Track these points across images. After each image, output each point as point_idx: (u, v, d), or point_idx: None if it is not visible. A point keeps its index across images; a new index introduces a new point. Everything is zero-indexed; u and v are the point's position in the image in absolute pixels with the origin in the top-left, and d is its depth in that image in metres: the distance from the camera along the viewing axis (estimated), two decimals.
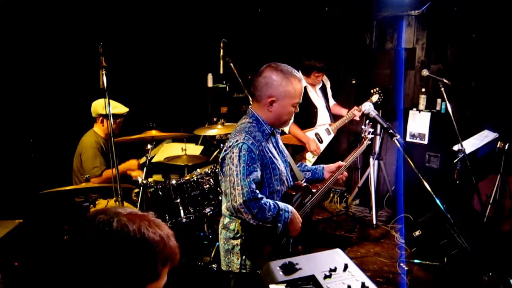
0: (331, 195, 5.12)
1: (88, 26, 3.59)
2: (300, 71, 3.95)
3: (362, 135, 2.41)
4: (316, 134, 3.99)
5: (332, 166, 2.30)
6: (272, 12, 5.01)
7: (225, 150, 1.93)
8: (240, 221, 1.96)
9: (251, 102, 2.14)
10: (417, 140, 4.53)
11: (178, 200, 3.14)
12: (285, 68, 1.95)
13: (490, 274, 2.82)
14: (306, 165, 2.39)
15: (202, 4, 4.62)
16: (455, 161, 3.68)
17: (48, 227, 3.21)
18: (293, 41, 4.90)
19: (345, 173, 2.29)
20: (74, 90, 3.57)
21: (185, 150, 3.54)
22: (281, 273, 1.36)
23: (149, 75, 4.33)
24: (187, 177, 3.22)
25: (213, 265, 3.09)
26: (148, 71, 4.32)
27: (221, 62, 3.53)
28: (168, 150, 3.92)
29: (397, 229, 4.26)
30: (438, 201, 2.20)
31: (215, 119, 3.99)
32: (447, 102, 3.59)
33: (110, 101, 2.52)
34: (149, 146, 3.07)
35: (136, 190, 3.21)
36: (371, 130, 2.42)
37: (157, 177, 3.86)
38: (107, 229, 0.88)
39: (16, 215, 2.65)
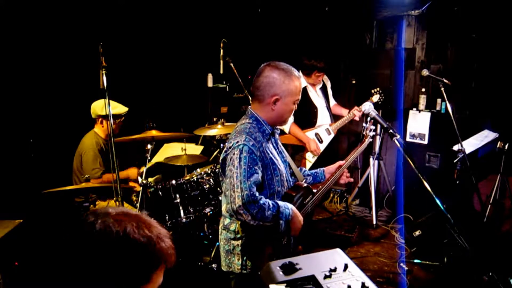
0: (331, 195, 5.13)
1: (88, 26, 3.59)
2: (300, 71, 3.96)
3: (363, 133, 2.41)
4: (316, 134, 3.99)
5: (332, 167, 2.30)
6: (272, 12, 5.01)
7: (226, 151, 1.92)
8: (240, 222, 1.96)
9: (251, 102, 2.14)
10: (417, 140, 4.53)
11: (178, 200, 3.14)
12: (284, 67, 1.95)
13: (490, 274, 2.82)
14: (305, 170, 2.39)
15: (202, 4, 4.61)
16: (455, 161, 3.68)
17: (48, 227, 3.21)
18: (293, 41, 4.90)
19: (348, 175, 2.30)
20: (74, 90, 3.56)
21: (185, 150, 3.54)
22: (281, 273, 1.36)
23: (149, 75, 4.33)
24: (187, 177, 3.22)
25: (213, 265, 3.09)
26: (148, 71, 4.31)
27: (221, 62, 3.53)
28: (168, 150, 3.92)
29: (397, 229, 4.26)
30: (438, 201, 2.19)
31: (215, 119, 3.99)
32: (447, 102, 3.59)
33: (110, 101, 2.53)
34: (149, 146, 3.07)
35: (138, 189, 3.21)
36: (373, 128, 2.42)
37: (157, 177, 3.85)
38: (89, 231, 0.85)
39: (16, 215, 2.64)
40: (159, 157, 3.81)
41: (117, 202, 2.51)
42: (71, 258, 0.84)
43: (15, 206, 2.94)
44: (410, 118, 4.56)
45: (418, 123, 4.51)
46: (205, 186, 3.22)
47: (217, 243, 2.98)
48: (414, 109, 4.55)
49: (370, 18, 4.84)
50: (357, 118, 3.99)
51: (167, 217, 3.12)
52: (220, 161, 2.00)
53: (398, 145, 2.23)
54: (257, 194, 1.83)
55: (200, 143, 4.36)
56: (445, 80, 3.59)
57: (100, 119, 3.30)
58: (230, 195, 1.84)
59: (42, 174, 3.27)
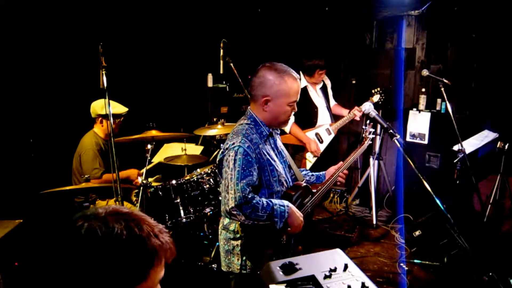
0: (331, 195, 5.12)
1: (88, 26, 3.59)
2: (301, 72, 3.96)
3: (363, 135, 2.41)
4: (317, 134, 3.99)
5: (332, 169, 2.30)
6: (272, 12, 5.01)
7: (223, 152, 1.93)
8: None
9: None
10: (417, 140, 4.53)
11: (178, 200, 3.14)
12: (280, 67, 1.93)
13: (490, 274, 2.82)
14: (309, 171, 2.39)
15: (202, 4, 4.61)
16: (455, 161, 3.68)
17: (48, 227, 3.20)
18: (293, 41, 4.90)
19: (345, 171, 2.29)
20: (74, 90, 3.56)
21: (185, 150, 3.54)
22: (281, 273, 1.36)
23: (149, 75, 4.33)
24: (187, 177, 3.22)
25: (213, 265, 3.09)
26: (148, 71, 4.31)
27: (221, 62, 3.53)
28: (168, 150, 3.92)
29: (397, 229, 4.26)
30: (438, 201, 2.19)
31: (215, 119, 3.99)
32: (447, 102, 3.59)
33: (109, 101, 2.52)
34: (149, 146, 3.07)
35: (136, 191, 3.21)
36: (372, 130, 2.42)
37: (157, 177, 3.85)
38: (76, 233, 0.85)
39: (16, 215, 2.64)
40: (159, 157, 3.81)
41: (117, 202, 2.51)
42: (61, 261, 0.84)
43: (15, 206, 2.94)
44: (410, 118, 4.56)
45: (418, 123, 4.51)
46: (205, 186, 3.22)
47: (217, 243, 2.98)
48: (414, 109, 4.55)
49: (370, 18, 4.84)
50: (357, 118, 3.99)
51: (167, 217, 3.12)
52: (217, 162, 2.00)
53: (398, 145, 2.22)
54: (250, 195, 1.83)
55: (200, 143, 4.36)
56: (445, 80, 3.59)
57: (100, 119, 3.30)
58: (224, 196, 1.85)
59: (42, 174, 3.27)
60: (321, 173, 2.35)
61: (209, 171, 3.30)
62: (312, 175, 2.34)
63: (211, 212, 3.18)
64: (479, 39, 4.27)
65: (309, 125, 3.99)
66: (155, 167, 3.67)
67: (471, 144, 3.79)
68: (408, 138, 4.57)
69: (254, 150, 1.88)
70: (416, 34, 4.71)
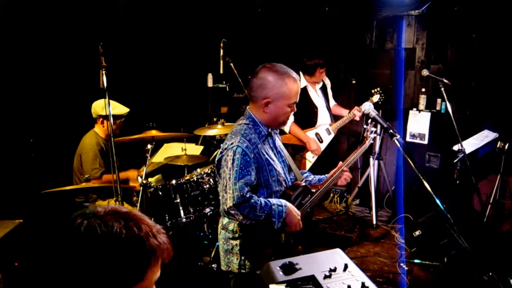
0: (331, 195, 5.12)
1: (88, 26, 3.59)
2: (301, 72, 3.97)
3: (364, 134, 2.40)
4: (317, 134, 3.99)
5: (333, 171, 2.29)
6: (272, 12, 5.01)
7: (221, 152, 1.93)
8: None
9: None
10: (417, 140, 4.53)
11: (178, 200, 3.14)
12: (280, 69, 1.92)
13: (490, 274, 2.82)
14: (310, 173, 2.38)
15: (202, 4, 4.61)
16: (455, 161, 3.68)
17: (48, 227, 3.21)
18: (293, 41, 4.90)
19: (350, 175, 2.28)
20: (74, 90, 3.56)
21: (185, 150, 3.54)
22: (281, 273, 1.36)
23: (149, 75, 4.33)
24: (187, 177, 3.22)
25: (213, 265, 3.09)
26: (148, 71, 4.31)
27: (221, 62, 3.53)
28: (168, 150, 3.92)
29: (397, 229, 4.26)
30: (438, 201, 2.19)
31: (215, 119, 3.99)
32: (447, 102, 3.59)
33: (110, 101, 2.52)
34: (149, 146, 3.07)
35: (138, 189, 3.21)
36: (373, 129, 2.41)
37: (157, 177, 3.85)
38: (75, 232, 0.85)
39: (16, 215, 2.64)
40: (159, 157, 3.81)
41: (117, 202, 2.51)
42: (60, 258, 0.84)
43: (15, 206, 2.94)
44: (410, 118, 4.56)
45: (418, 123, 4.51)
46: (205, 186, 3.22)
47: (217, 243, 2.98)
48: (414, 109, 4.55)
49: (370, 18, 4.84)
50: (357, 118, 3.99)
51: (167, 217, 3.12)
52: (216, 162, 2.00)
53: (398, 145, 2.22)
54: (248, 194, 1.83)
55: (200, 143, 4.36)
56: (445, 80, 3.59)
57: (100, 119, 3.30)
58: (222, 195, 1.86)
59: (42, 174, 3.27)
60: (323, 176, 2.35)
61: (209, 171, 3.30)
62: (314, 176, 2.34)
63: (211, 212, 3.18)
64: (479, 39, 4.27)
65: (309, 125, 3.99)
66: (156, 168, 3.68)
67: (471, 144, 3.79)
68: (408, 138, 4.57)
69: (253, 150, 1.88)
70: (416, 34, 4.71)
